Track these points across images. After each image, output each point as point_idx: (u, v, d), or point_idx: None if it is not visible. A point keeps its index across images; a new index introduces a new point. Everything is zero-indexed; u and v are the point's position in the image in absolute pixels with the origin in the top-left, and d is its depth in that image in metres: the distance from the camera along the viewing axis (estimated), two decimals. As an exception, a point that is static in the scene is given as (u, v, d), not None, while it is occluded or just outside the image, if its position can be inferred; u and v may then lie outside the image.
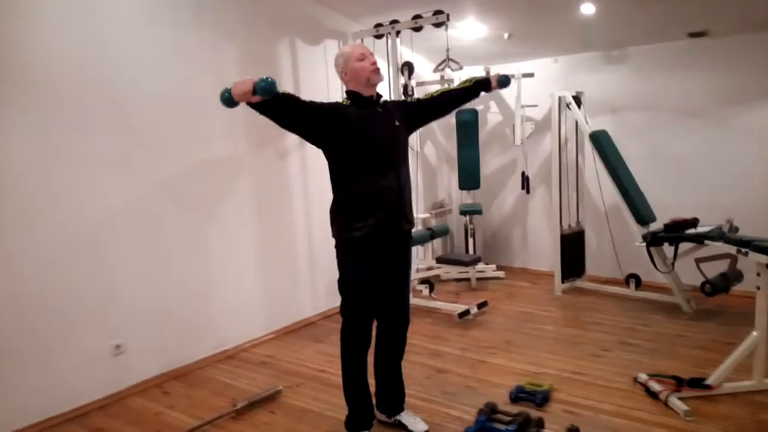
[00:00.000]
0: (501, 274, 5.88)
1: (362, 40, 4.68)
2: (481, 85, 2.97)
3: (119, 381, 3.47)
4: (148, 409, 3.30)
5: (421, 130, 5.76)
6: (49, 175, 3.14)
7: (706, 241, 3.81)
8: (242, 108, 2.37)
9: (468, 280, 5.70)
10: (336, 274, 2.74)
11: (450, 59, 4.71)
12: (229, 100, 2.30)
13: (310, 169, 4.65)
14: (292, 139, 4.47)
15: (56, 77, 3.16)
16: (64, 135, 3.19)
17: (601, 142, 4.86)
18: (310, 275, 4.73)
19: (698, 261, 3.95)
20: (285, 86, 4.35)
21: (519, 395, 3.14)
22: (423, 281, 5.20)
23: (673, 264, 4.32)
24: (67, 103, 3.20)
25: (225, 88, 2.30)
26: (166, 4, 3.68)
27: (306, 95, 2.58)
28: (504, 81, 2.99)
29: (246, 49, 4.15)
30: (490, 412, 2.84)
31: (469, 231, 5.95)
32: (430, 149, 6.24)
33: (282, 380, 3.56)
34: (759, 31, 4.54)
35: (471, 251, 5.94)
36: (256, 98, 2.28)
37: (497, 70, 5.65)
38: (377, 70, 2.66)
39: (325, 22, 4.80)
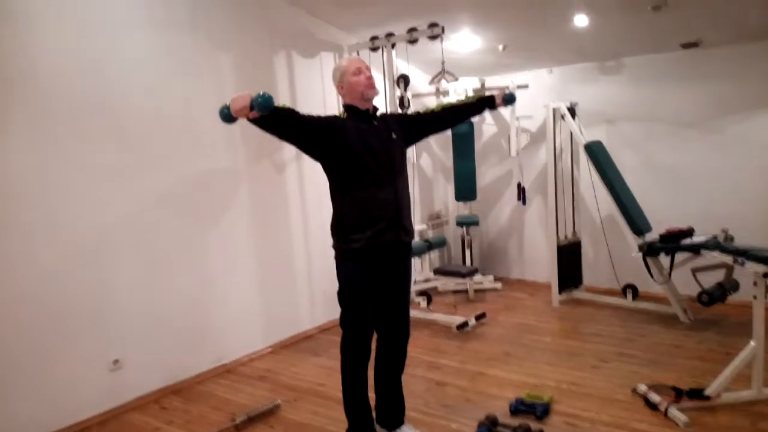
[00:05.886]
0: (498, 285, 5.88)
1: (358, 53, 4.70)
2: (486, 102, 2.96)
3: (117, 396, 3.45)
4: (146, 424, 3.28)
5: (417, 142, 5.81)
6: (47, 185, 3.14)
7: (702, 251, 3.82)
8: (240, 121, 2.38)
9: (465, 291, 5.69)
10: (335, 286, 2.73)
11: (445, 71, 4.74)
12: (227, 116, 2.31)
13: (307, 182, 4.66)
14: (290, 152, 4.48)
15: (54, 86, 3.17)
16: (63, 145, 3.20)
17: (596, 152, 4.88)
18: (308, 288, 4.72)
19: (694, 271, 3.97)
20: (282, 99, 4.38)
21: (519, 407, 3.13)
22: (421, 293, 5.20)
23: (669, 274, 4.33)
24: (65, 112, 3.21)
25: (224, 104, 2.32)
26: (164, 14, 3.70)
27: (303, 108, 2.60)
28: (509, 98, 2.96)
29: (242, 62, 4.17)
30: (490, 424, 2.84)
31: (465, 242, 5.95)
32: (426, 161, 6.27)
33: (280, 394, 3.55)
34: (751, 41, 4.58)
35: (468, 263, 5.95)
36: (254, 114, 2.29)
37: (492, 81, 5.67)
38: (372, 85, 2.68)
39: (321, 34, 4.82)
